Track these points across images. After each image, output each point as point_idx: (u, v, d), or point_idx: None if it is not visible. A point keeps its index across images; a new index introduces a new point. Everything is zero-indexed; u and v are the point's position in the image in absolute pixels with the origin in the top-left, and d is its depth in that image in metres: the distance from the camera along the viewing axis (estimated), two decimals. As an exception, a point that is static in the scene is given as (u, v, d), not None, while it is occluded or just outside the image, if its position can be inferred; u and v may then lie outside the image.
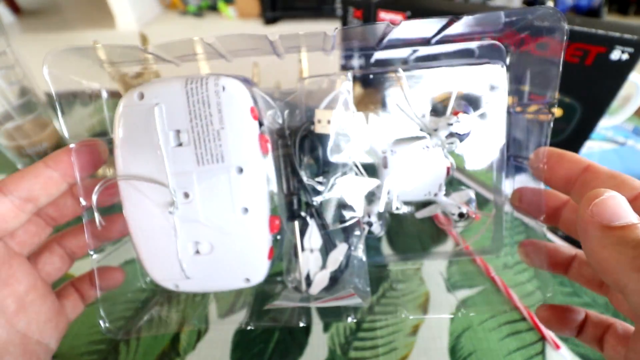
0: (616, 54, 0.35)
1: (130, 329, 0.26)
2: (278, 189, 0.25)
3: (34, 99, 0.48)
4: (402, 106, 0.27)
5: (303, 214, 0.25)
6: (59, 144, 0.51)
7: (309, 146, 0.25)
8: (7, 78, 0.45)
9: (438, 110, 0.27)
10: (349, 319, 0.28)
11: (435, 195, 0.28)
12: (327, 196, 0.26)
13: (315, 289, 0.26)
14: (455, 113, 0.26)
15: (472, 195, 0.29)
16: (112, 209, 0.24)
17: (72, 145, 0.21)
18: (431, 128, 0.27)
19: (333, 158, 0.25)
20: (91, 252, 0.24)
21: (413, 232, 0.37)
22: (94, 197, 0.22)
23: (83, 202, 0.23)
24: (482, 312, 0.31)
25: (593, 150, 0.50)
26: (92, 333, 0.31)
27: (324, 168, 0.26)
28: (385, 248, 0.37)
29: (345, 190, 0.26)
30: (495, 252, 0.31)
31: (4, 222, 0.20)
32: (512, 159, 0.27)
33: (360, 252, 0.27)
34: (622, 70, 0.36)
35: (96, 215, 0.23)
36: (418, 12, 0.43)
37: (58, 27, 2.39)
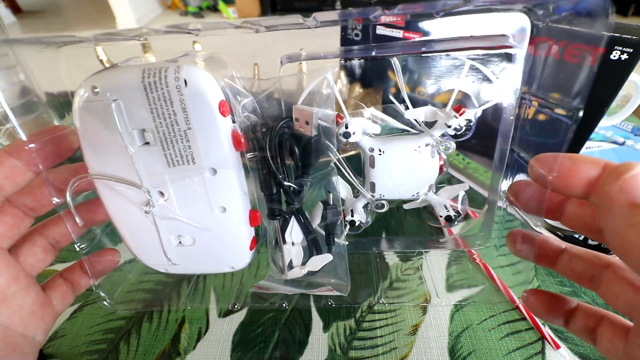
0: (616, 54, 0.35)
1: (135, 304, 0.26)
2: (256, 186, 0.24)
3: (35, 98, 0.48)
4: (395, 101, 0.26)
5: (283, 211, 0.25)
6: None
7: (287, 146, 0.23)
8: (8, 78, 0.45)
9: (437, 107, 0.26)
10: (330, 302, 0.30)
11: (425, 194, 0.28)
12: (308, 195, 0.25)
13: (292, 276, 0.26)
14: (456, 108, 0.25)
15: (463, 191, 0.28)
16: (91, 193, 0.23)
17: (23, 139, 0.20)
18: (429, 120, 0.26)
19: (314, 158, 0.24)
20: (76, 243, 0.24)
21: (412, 228, 0.38)
22: (68, 197, 0.22)
23: (55, 200, 0.22)
24: (481, 312, 0.31)
25: (592, 150, 0.50)
26: (92, 333, 0.31)
27: (304, 169, 0.24)
28: (383, 243, 0.36)
29: (326, 192, 0.26)
30: (482, 243, 0.31)
31: None
32: (516, 154, 0.26)
33: (342, 241, 0.27)
34: (622, 70, 0.36)
35: (75, 215, 0.22)
36: (418, 13, 0.43)
37: (58, 27, 2.39)
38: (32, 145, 0.20)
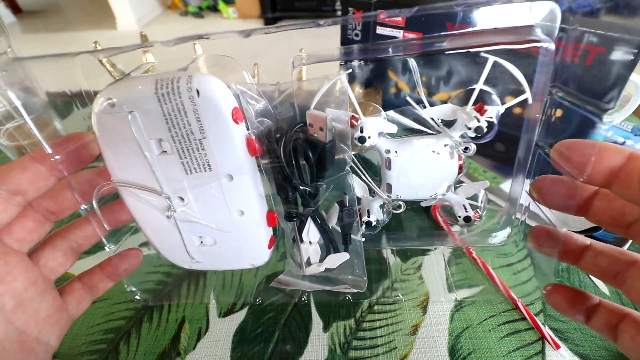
0: (616, 54, 0.35)
1: (161, 296, 0.28)
2: (273, 187, 0.24)
3: (35, 98, 0.48)
4: (413, 102, 0.25)
5: (300, 213, 0.25)
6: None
7: (302, 152, 0.23)
8: (8, 78, 0.45)
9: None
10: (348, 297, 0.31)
11: (443, 195, 0.27)
12: (324, 194, 0.25)
13: (310, 272, 0.27)
14: (478, 107, 0.24)
15: (483, 189, 0.27)
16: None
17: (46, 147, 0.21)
18: (448, 119, 0.24)
19: (329, 164, 0.24)
20: (105, 244, 0.25)
21: (412, 228, 0.38)
22: (95, 203, 0.22)
23: (83, 206, 0.23)
24: (481, 312, 0.31)
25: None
26: (92, 333, 0.31)
27: (319, 174, 0.24)
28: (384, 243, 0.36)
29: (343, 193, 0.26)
30: (500, 240, 0.30)
31: None
32: (540, 150, 0.25)
33: (358, 237, 0.27)
34: (622, 70, 0.36)
35: (102, 219, 0.23)
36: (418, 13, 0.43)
37: (58, 27, 2.39)
38: (57, 157, 0.21)
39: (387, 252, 0.36)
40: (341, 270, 0.28)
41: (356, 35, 0.45)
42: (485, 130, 0.24)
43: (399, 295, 0.32)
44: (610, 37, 0.27)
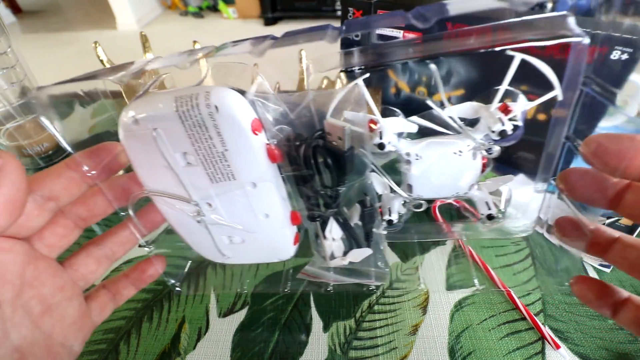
0: (616, 54, 0.35)
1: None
2: (294, 189, 0.25)
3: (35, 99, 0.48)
4: (435, 105, 0.24)
5: (322, 214, 0.26)
6: (60, 144, 0.51)
7: (322, 159, 0.23)
8: (8, 78, 0.45)
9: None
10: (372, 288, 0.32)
11: (465, 194, 0.27)
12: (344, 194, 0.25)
13: (334, 265, 0.28)
14: (502, 107, 0.22)
15: (507, 185, 0.26)
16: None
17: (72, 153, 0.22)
18: (470, 117, 0.24)
19: (349, 170, 0.24)
20: (143, 244, 0.26)
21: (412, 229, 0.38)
22: (131, 211, 0.24)
23: (122, 214, 0.24)
24: (481, 312, 0.31)
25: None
26: (92, 333, 0.31)
27: (340, 179, 0.24)
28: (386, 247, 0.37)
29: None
30: (527, 230, 0.29)
31: (27, 220, 0.20)
32: (570, 143, 0.23)
33: (380, 231, 0.27)
34: (622, 70, 0.36)
35: (139, 225, 0.24)
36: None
37: (58, 27, 2.39)
38: (93, 172, 0.21)
39: (387, 253, 0.36)
40: (364, 263, 0.29)
41: (356, 35, 0.45)
42: (510, 133, 0.23)
43: (399, 296, 0.33)
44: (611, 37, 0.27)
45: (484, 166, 0.25)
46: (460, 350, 0.29)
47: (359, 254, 0.27)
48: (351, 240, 0.27)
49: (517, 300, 0.31)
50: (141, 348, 0.30)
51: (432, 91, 0.42)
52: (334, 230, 0.27)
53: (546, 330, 0.29)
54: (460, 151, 0.24)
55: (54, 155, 0.51)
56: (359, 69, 0.23)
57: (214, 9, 2.58)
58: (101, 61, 0.42)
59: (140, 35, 0.46)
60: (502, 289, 0.32)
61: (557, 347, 0.28)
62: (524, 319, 0.31)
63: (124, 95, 0.28)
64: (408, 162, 0.26)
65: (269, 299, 0.33)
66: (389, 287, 0.33)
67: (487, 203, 0.28)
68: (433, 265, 0.35)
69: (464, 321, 0.31)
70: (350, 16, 0.48)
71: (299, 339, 0.30)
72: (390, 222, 0.29)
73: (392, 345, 0.29)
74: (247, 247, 0.26)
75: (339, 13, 0.51)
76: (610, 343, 0.29)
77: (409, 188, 0.27)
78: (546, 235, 0.34)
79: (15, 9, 2.73)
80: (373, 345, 0.29)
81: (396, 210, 0.29)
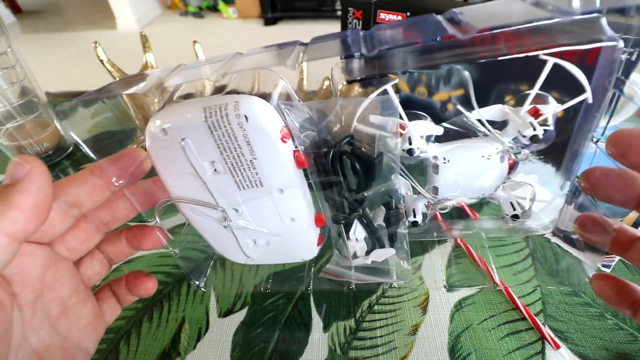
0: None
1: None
2: (319, 196, 0.25)
3: (35, 99, 0.48)
4: (464, 109, 0.24)
5: (347, 216, 0.26)
6: (60, 144, 0.51)
7: (349, 165, 0.23)
8: (8, 78, 0.45)
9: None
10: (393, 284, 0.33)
11: (490, 195, 0.27)
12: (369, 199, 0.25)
13: (357, 264, 0.28)
14: (532, 111, 0.22)
15: (531, 185, 0.26)
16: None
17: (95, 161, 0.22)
18: (498, 120, 0.23)
19: (377, 175, 0.23)
20: (171, 249, 0.27)
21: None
22: (158, 218, 0.24)
23: (151, 223, 0.24)
24: (481, 312, 0.31)
25: (592, 150, 0.50)
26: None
27: (367, 184, 0.24)
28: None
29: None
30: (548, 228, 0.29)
31: (50, 227, 0.20)
32: (596, 142, 0.23)
33: (403, 230, 0.27)
34: (621, 70, 0.36)
35: (167, 233, 0.25)
36: (418, 13, 0.43)
37: (58, 27, 2.39)
38: (121, 182, 0.21)
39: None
40: (386, 262, 0.29)
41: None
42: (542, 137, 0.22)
43: (399, 296, 0.33)
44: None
45: (511, 168, 0.25)
46: (460, 351, 0.29)
47: (381, 254, 0.27)
48: (374, 241, 0.28)
49: (517, 300, 0.31)
50: (141, 348, 0.30)
51: (432, 91, 0.42)
52: (358, 231, 0.27)
53: (546, 330, 0.29)
54: (489, 155, 0.24)
55: (54, 155, 0.51)
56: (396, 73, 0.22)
57: (214, 9, 2.59)
58: (101, 61, 0.42)
59: (140, 35, 0.46)
60: (503, 289, 0.32)
61: (557, 347, 0.28)
62: (524, 319, 0.31)
63: (125, 98, 0.29)
64: (435, 165, 0.26)
65: (269, 299, 0.33)
66: (389, 287, 0.33)
67: (511, 203, 0.27)
68: (433, 265, 0.35)
69: (464, 321, 0.31)
70: (350, 16, 0.48)
71: (299, 339, 0.30)
72: (415, 223, 0.29)
73: (392, 345, 0.29)
74: (271, 249, 0.27)
75: (339, 13, 0.51)
76: (610, 343, 0.29)
77: (435, 190, 0.27)
78: (548, 236, 0.34)
79: (15, 9, 2.73)
80: (373, 345, 0.29)
81: (420, 211, 0.29)
